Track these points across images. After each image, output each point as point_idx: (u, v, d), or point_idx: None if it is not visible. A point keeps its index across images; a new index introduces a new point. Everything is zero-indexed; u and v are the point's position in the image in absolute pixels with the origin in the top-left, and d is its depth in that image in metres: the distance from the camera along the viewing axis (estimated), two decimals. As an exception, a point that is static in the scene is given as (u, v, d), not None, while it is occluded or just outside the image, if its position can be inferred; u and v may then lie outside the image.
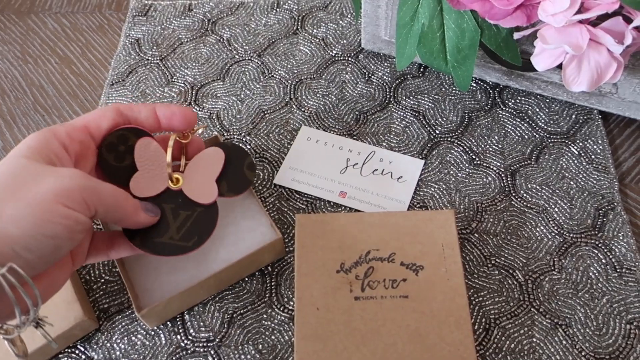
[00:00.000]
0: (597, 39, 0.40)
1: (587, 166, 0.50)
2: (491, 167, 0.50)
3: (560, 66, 0.42)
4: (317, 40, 0.60)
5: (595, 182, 0.49)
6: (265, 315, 0.43)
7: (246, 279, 0.45)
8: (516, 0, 0.40)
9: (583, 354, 0.40)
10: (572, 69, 0.41)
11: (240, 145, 0.49)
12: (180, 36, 0.61)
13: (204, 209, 0.41)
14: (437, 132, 0.52)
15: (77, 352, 0.42)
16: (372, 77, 0.57)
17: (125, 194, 0.36)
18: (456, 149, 0.51)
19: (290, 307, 0.43)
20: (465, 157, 0.51)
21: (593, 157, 0.50)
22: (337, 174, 0.50)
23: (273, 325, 0.43)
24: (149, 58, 0.60)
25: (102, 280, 0.45)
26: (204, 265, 0.43)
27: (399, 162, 0.50)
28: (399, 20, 0.47)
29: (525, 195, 0.48)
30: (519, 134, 0.52)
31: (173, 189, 0.41)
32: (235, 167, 0.43)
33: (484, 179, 0.49)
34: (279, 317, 0.43)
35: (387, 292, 0.40)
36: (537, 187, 0.49)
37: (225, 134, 0.53)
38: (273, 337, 0.42)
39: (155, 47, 0.61)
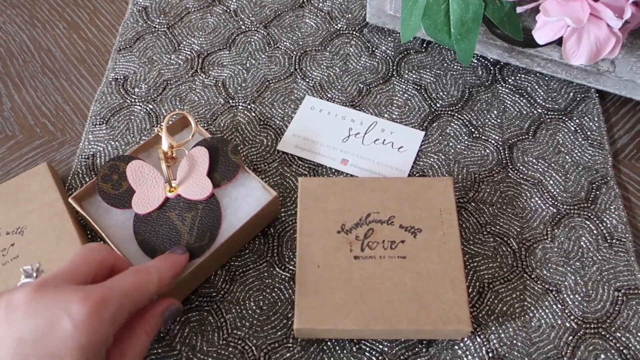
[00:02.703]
0: (597, 13, 0.41)
1: (583, 142, 0.51)
2: (489, 140, 0.51)
3: (560, 41, 0.43)
4: (323, 13, 0.61)
5: (590, 157, 0.50)
6: (266, 274, 0.44)
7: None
8: (520, -27, 0.41)
9: (572, 317, 0.42)
10: (572, 43, 0.42)
11: (240, 116, 0.50)
12: (187, 5, 0.62)
13: (205, 204, 0.44)
14: (438, 105, 0.54)
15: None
16: (376, 51, 0.58)
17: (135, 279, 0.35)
18: (456, 122, 0.53)
19: (291, 267, 0.45)
20: (464, 130, 0.52)
21: (589, 133, 0.51)
22: (339, 142, 0.51)
23: (274, 283, 0.44)
24: (156, 26, 0.60)
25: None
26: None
27: (400, 132, 0.52)
28: (405, -8, 0.48)
29: (521, 167, 0.50)
30: (517, 110, 0.53)
31: (171, 197, 0.44)
32: (221, 156, 0.46)
33: (482, 151, 0.51)
34: (280, 275, 0.44)
35: (385, 253, 0.41)
36: (534, 161, 0.50)
37: (230, 102, 0.54)
38: (274, 294, 0.43)
39: (162, 16, 0.61)
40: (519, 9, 0.45)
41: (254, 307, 0.43)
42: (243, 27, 0.60)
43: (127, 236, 0.43)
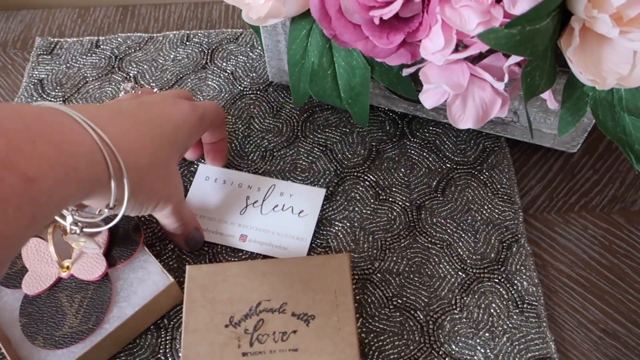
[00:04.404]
0: (479, 75, 0.39)
1: (493, 197, 0.49)
2: (397, 201, 0.49)
3: (451, 101, 0.41)
4: (226, 74, 0.59)
5: (499, 213, 0.48)
6: (157, 374, 0.41)
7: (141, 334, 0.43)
8: (396, 39, 0.39)
9: (481, 397, 0.40)
10: (457, 106, 0.40)
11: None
12: (85, 75, 0.59)
13: (97, 285, 0.42)
14: (344, 166, 0.51)
15: None
16: (281, 110, 0.56)
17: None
18: (362, 183, 0.50)
19: (184, 364, 0.42)
20: (371, 192, 0.50)
21: (499, 186, 0.49)
22: (237, 215, 0.48)
23: (164, 384, 0.41)
24: (52, 99, 0.58)
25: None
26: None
27: (299, 194, 0.49)
28: (290, 58, 0.46)
29: (429, 230, 0.47)
30: (426, 166, 0.51)
31: (64, 277, 0.42)
32: (121, 234, 0.44)
33: (389, 215, 0.48)
34: (170, 375, 0.41)
35: (276, 346, 0.39)
36: (442, 221, 0.48)
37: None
38: (163, 398, 0.40)
39: (59, 87, 0.58)
40: (405, 72, 0.43)
41: (141, 415, 0.40)
42: (143, 94, 0.57)
43: (14, 319, 0.41)
